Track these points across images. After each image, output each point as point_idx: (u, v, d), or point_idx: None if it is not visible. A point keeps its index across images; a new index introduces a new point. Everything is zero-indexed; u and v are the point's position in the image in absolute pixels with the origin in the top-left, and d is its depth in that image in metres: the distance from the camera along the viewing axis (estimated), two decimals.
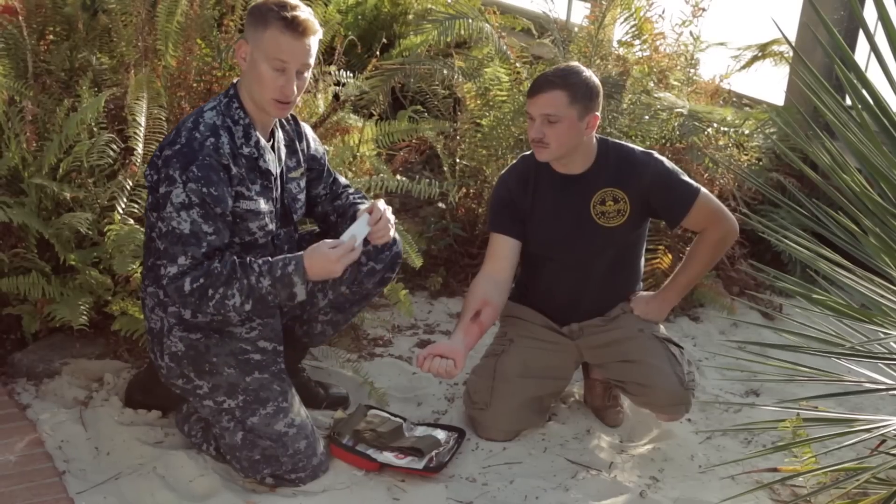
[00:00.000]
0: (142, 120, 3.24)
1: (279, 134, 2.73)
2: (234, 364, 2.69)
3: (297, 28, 2.49)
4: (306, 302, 2.92)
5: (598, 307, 3.07)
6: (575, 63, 2.99)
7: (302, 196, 2.82)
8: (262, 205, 2.64)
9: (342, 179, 2.98)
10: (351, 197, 2.93)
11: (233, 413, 2.69)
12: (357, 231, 2.63)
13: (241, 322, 2.73)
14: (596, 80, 2.86)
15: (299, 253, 2.58)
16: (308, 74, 2.60)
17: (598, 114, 2.86)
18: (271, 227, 2.69)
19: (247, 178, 2.60)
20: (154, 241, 2.65)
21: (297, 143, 2.81)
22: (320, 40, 2.64)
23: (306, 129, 2.88)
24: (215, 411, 2.70)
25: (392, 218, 2.72)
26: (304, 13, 2.53)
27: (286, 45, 2.50)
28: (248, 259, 2.55)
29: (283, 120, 2.76)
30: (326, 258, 2.54)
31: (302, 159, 2.82)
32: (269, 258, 2.56)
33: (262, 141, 2.65)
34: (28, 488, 2.62)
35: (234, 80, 2.67)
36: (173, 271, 2.49)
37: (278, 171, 2.71)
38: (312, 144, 2.88)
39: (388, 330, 3.71)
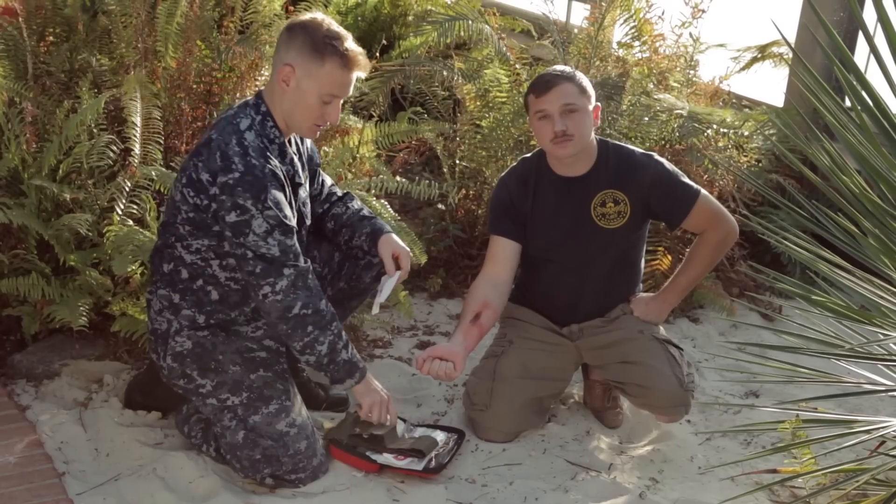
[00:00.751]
0: (137, 120, 3.24)
1: (294, 143, 2.78)
2: (239, 361, 2.71)
3: (356, 65, 2.58)
4: None
5: (598, 308, 3.07)
6: (559, 65, 3.03)
7: (308, 201, 2.85)
8: (295, 218, 2.69)
9: (326, 178, 3.03)
10: (350, 206, 2.97)
11: (235, 411, 2.69)
12: (385, 287, 2.85)
13: (246, 321, 2.76)
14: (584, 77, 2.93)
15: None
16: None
17: (598, 104, 2.92)
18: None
19: (290, 195, 2.66)
20: (175, 248, 2.67)
21: (302, 147, 2.83)
22: None
23: None
24: (218, 409, 2.71)
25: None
26: (356, 46, 2.61)
27: (343, 80, 2.59)
28: (341, 326, 2.71)
29: None
30: (378, 395, 2.80)
31: (304, 162, 2.84)
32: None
33: (295, 158, 2.71)
34: (28, 489, 2.62)
35: (259, 91, 2.69)
36: (283, 284, 2.58)
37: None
38: (309, 145, 2.91)
39: (388, 331, 3.71)
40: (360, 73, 2.62)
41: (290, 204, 2.65)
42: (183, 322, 2.70)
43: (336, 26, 2.61)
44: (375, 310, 2.89)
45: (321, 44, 2.55)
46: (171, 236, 2.68)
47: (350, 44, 2.58)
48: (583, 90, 2.84)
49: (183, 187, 2.63)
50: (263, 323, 2.78)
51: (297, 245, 2.61)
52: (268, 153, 2.60)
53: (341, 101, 2.66)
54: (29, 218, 3.05)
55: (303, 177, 2.78)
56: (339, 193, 3.01)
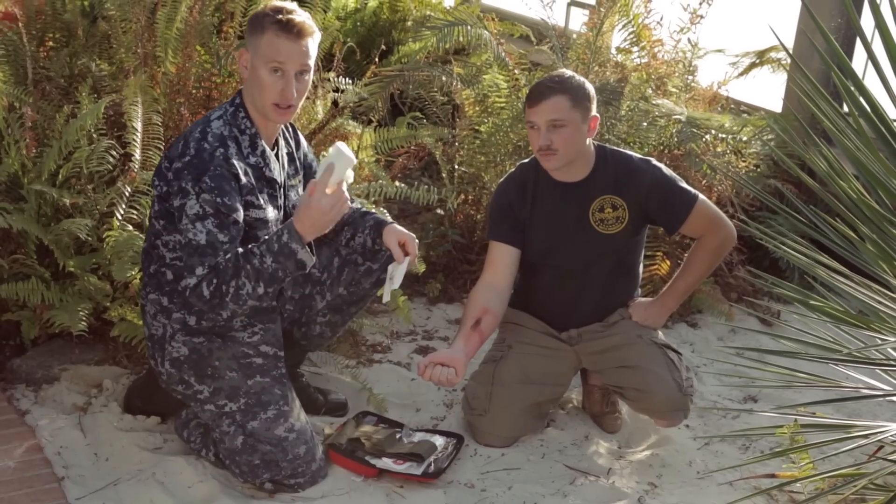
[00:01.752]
0: (138, 125, 3.25)
1: (282, 142, 2.76)
2: (236, 368, 2.70)
3: (292, 29, 2.53)
4: (304, 303, 2.93)
5: (597, 313, 3.07)
6: (564, 70, 3.02)
7: None
8: (270, 213, 2.67)
9: None
10: (351, 205, 2.95)
11: (234, 417, 2.69)
12: (396, 273, 2.75)
13: (243, 327, 2.75)
14: (588, 83, 2.89)
15: (289, 220, 2.56)
16: (308, 78, 2.62)
17: (597, 115, 2.89)
18: (272, 229, 2.70)
19: (255, 187, 2.62)
20: (157, 248, 2.66)
21: (296, 152, 2.83)
22: (319, 46, 2.66)
23: (301, 136, 2.91)
24: (216, 415, 2.71)
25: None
26: (300, 16, 2.57)
27: (283, 46, 2.54)
28: (248, 246, 2.55)
29: (283, 129, 2.78)
30: (319, 210, 2.50)
31: (299, 166, 2.84)
32: (265, 238, 2.56)
33: (268, 150, 2.68)
34: (27, 494, 2.62)
35: (240, 89, 2.69)
36: (192, 282, 2.50)
37: (282, 180, 2.73)
38: (304, 150, 2.91)
39: (387, 336, 3.71)
40: (306, 40, 2.56)
41: (258, 197, 2.61)
42: (175, 326, 2.70)
43: (281, 3, 2.59)
44: (387, 297, 2.83)
45: (260, 16, 2.56)
46: (152, 235, 2.69)
47: (291, 15, 2.54)
48: (576, 102, 2.81)
49: (154, 178, 2.64)
50: (260, 328, 2.78)
51: (232, 244, 2.51)
52: (229, 141, 2.57)
53: (304, 78, 2.59)
54: (28, 223, 3.05)
55: (285, 175, 2.74)
56: None
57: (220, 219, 2.50)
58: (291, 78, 2.56)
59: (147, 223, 3.10)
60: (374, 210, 2.99)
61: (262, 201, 2.64)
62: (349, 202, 2.60)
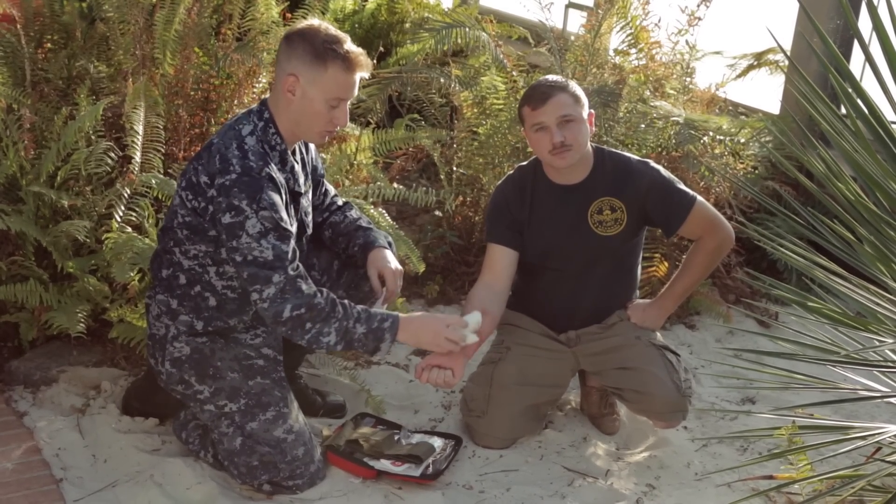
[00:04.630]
0: (139, 128, 3.26)
1: (298, 152, 2.77)
2: (237, 368, 2.71)
3: (358, 66, 2.57)
4: None
5: (595, 315, 3.07)
6: (550, 75, 3.04)
7: (311, 210, 2.85)
8: (294, 227, 2.69)
9: (329, 187, 3.03)
10: (348, 215, 2.98)
11: (233, 417, 2.70)
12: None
13: (245, 329, 2.76)
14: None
15: (397, 314, 2.63)
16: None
17: (592, 111, 2.93)
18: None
19: (287, 203, 2.64)
20: (174, 254, 2.68)
21: (306, 157, 2.84)
22: None
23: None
24: (215, 416, 2.71)
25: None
26: (356, 47, 2.60)
27: (347, 83, 2.58)
28: (347, 301, 2.60)
29: None
30: (433, 329, 2.63)
31: (309, 171, 2.85)
32: (368, 307, 2.61)
33: (297, 166, 2.70)
34: (25, 496, 2.62)
35: (264, 99, 2.68)
36: (271, 292, 2.52)
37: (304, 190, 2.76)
38: (313, 155, 2.91)
39: None
40: (363, 74, 2.61)
41: (287, 213, 2.64)
42: (181, 328, 2.70)
43: (333, 30, 2.61)
44: None
45: (321, 49, 2.54)
46: (170, 241, 2.69)
47: (350, 45, 2.57)
48: (577, 99, 2.85)
49: (182, 191, 2.64)
50: (262, 331, 2.79)
51: (292, 251, 2.56)
52: (268, 158, 2.59)
53: (348, 103, 2.65)
54: (27, 224, 3.05)
55: (304, 186, 2.77)
56: (340, 203, 3.01)
57: (280, 232, 2.53)
58: (346, 107, 2.62)
59: (146, 227, 3.11)
60: (370, 224, 2.98)
61: (289, 217, 2.65)
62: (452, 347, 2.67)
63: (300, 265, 2.58)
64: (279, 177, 2.60)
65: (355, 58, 2.56)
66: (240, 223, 2.51)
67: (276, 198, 2.54)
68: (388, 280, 2.83)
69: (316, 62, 2.54)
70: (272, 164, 2.59)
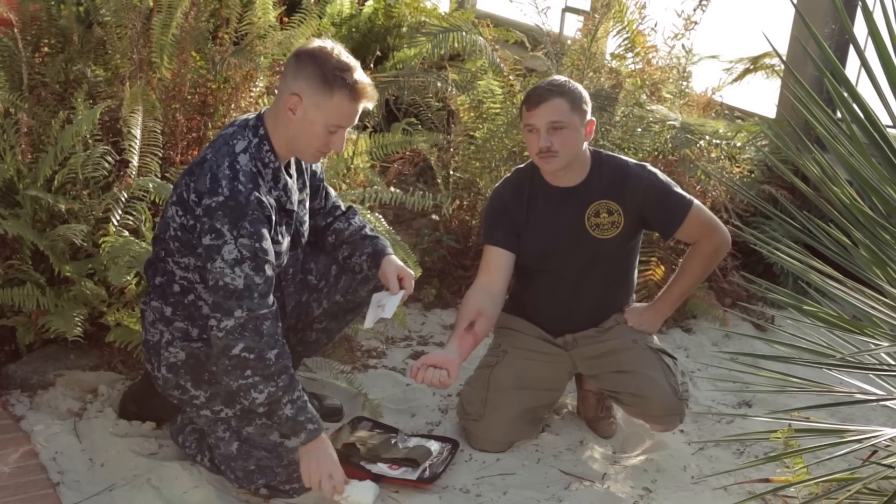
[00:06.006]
0: (137, 132, 3.26)
1: (292, 160, 2.75)
2: None
3: (364, 97, 2.56)
4: (301, 310, 2.93)
5: (592, 318, 3.08)
6: (558, 76, 3.03)
7: (307, 218, 2.85)
8: (286, 243, 2.68)
9: (330, 190, 3.02)
10: (352, 223, 2.96)
11: (229, 422, 2.69)
12: (388, 304, 2.79)
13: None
14: (583, 88, 2.92)
15: (321, 430, 2.61)
16: None
17: (593, 119, 2.91)
18: (283, 258, 2.72)
19: (277, 221, 2.63)
20: (167, 263, 2.67)
21: (302, 164, 2.83)
22: None
23: None
24: (211, 421, 2.71)
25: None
26: (365, 77, 2.58)
27: (350, 111, 2.57)
28: (296, 376, 2.58)
29: None
30: (325, 464, 2.59)
31: (306, 179, 2.84)
32: (307, 401, 2.59)
33: (290, 182, 2.68)
34: (22, 500, 2.61)
35: (260, 113, 2.66)
36: (230, 325, 2.49)
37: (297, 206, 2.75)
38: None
39: (382, 341, 3.72)
40: (368, 105, 2.59)
41: (278, 232, 2.62)
42: (176, 334, 2.70)
43: (346, 56, 2.58)
44: (369, 324, 2.87)
45: (331, 76, 2.51)
46: (162, 250, 2.69)
47: (359, 75, 2.55)
48: (575, 106, 2.84)
49: (173, 205, 2.63)
50: None
51: (266, 284, 2.51)
52: (259, 179, 2.56)
53: (346, 130, 2.64)
54: (24, 228, 3.05)
55: (296, 199, 2.73)
56: (343, 208, 3.00)
57: (256, 262, 2.50)
58: (345, 134, 2.61)
59: (143, 230, 3.11)
60: (375, 232, 2.98)
61: (279, 235, 2.64)
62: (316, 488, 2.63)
63: (274, 301, 2.55)
64: (269, 199, 2.57)
65: (363, 88, 2.54)
66: (217, 247, 2.49)
67: (261, 227, 2.51)
68: (407, 282, 2.83)
69: (323, 87, 2.52)
70: (262, 187, 2.57)
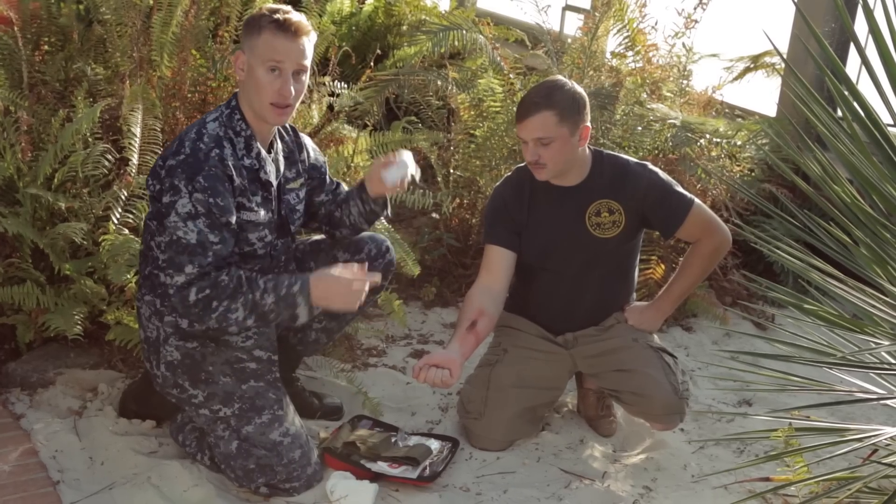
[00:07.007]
0: (137, 131, 3.26)
1: (278, 145, 2.75)
2: (229, 372, 2.70)
3: (289, 28, 2.54)
4: None
5: (593, 317, 3.08)
6: (555, 77, 3.00)
7: (300, 207, 2.84)
8: (262, 215, 2.66)
9: (342, 186, 3.02)
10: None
11: (228, 422, 2.69)
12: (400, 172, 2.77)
13: (237, 331, 2.74)
14: (580, 90, 2.87)
15: (307, 274, 2.58)
16: (305, 79, 2.62)
17: (588, 124, 2.87)
18: (270, 237, 2.71)
19: (248, 189, 2.62)
20: (152, 249, 2.66)
21: (297, 155, 2.83)
22: (315, 50, 2.66)
23: (306, 140, 2.90)
24: (210, 420, 2.71)
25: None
26: (297, 16, 2.58)
27: (280, 45, 2.54)
28: (254, 275, 2.55)
29: (282, 131, 2.78)
30: (338, 282, 2.53)
31: (302, 170, 2.84)
32: (276, 276, 2.56)
33: (263, 152, 2.67)
34: (22, 498, 2.62)
35: (235, 91, 2.69)
36: (180, 280, 2.48)
37: (276, 182, 2.73)
38: (312, 154, 2.91)
39: (382, 340, 3.72)
40: (303, 40, 2.56)
41: (252, 200, 2.61)
42: (168, 329, 2.69)
43: (278, 6, 2.61)
44: (394, 177, 2.82)
45: (257, 17, 2.57)
46: (148, 235, 2.68)
47: (285, 14, 2.56)
48: (563, 117, 2.79)
49: (148, 178, 2.64)
50: (254, 332, 2.76)
51: (223, 246, 2.50)
52: (224, 142, 2.57)
53: (301, 78, 2.60)
54: (24, 227, 3.05)
55: (273, 173, 2.70)
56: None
57: (211, 219, 2.49)
58: (289, 77, 2.56)
59: (142, 228, 3.11)
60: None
61: (254, 203, 2.63)
62: (360, 301, 2.57)
63: (227, 261, 2.52)
64: (235, 161, 2.57)
65: (286, 20, 2.54)
66: (173, 202, 2.49)
67: (218, 183, 2.51)
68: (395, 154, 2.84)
69: (252, 31, 2.56)
70: (227, 149, 2.57)
